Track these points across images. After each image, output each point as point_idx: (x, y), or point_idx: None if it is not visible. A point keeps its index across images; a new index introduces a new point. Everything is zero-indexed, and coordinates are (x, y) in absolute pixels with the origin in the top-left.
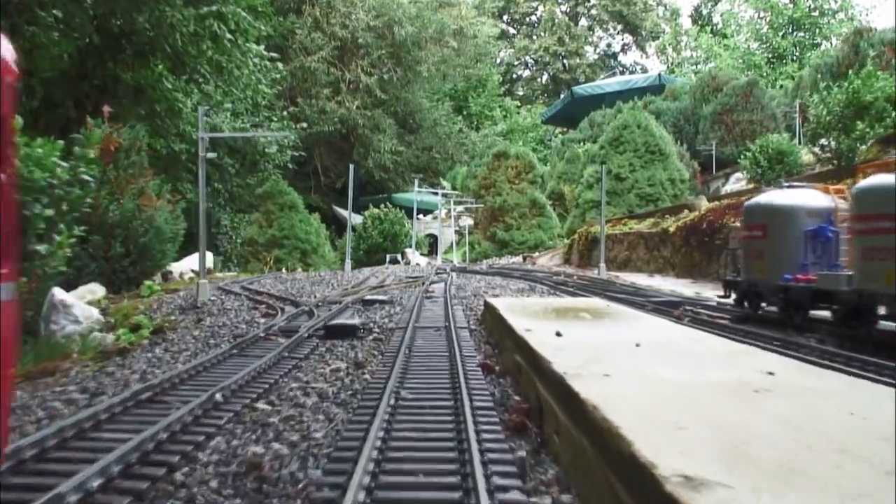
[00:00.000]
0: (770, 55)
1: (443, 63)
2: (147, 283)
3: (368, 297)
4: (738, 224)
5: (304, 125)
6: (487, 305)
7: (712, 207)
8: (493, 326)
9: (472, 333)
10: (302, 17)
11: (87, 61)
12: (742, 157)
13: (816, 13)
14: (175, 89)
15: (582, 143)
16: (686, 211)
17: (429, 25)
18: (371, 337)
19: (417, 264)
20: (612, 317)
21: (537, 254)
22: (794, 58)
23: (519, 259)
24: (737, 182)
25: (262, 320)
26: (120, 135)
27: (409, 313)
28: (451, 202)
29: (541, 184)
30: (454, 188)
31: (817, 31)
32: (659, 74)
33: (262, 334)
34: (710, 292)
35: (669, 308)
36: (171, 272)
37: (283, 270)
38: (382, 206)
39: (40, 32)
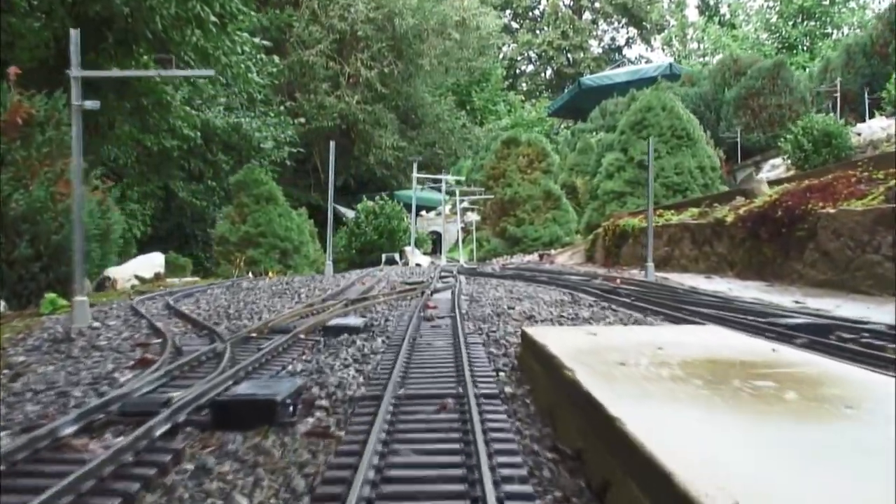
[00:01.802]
0: (780, 45)
1: (445, 56)
2: (49, 295)
3: (335, 323)
4: (830, 210)
5: (302, 120)
6: (533, 347)
7: (789, 190)
8: (560, 405)
9: (512, 410)
10: (299, 9)
11: (67, 51)
12: (783, 140)
13: (827, 2)
14: (163, 81)
15: (594, 133)
16: (739, 198)
17: (430, 17)
18: (305, 427)
19: (418, 265)
20: (852, 400)
21: (555, 251)
22: (805, 48)
23: (533, 257)
24: (773, 169)
25: (127, 375)
26: (33, 103)
27: (393, 355)
28: (457, 193)
29: (555, 174)
30: (458, 182)
31: (828, 20)
32: (670, 64)
33: (70, 430)
34: (818, 302)
35: (817, 335)
36: (108, 278)
37: (250, 275)
38: (378, 198)
39: (18, 21)
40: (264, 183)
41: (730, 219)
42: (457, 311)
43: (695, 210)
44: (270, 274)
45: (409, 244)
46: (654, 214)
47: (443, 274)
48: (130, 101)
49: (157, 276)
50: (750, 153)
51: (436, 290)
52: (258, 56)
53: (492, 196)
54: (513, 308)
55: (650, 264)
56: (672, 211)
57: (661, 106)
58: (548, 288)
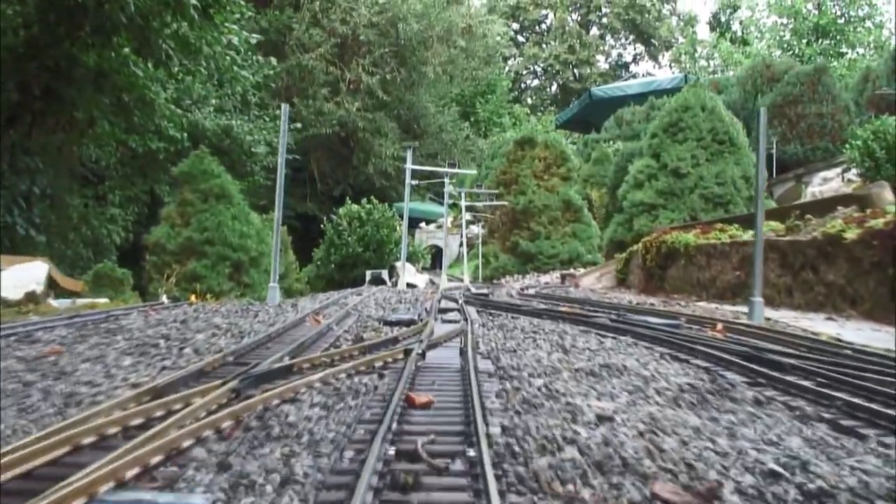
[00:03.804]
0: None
1: (450, 64)
2: None
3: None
4: None
5: (298, 125)
6: None
7: None
8: None
9: None
10: (300, 12)
11: (40, 39)
12: (848, 146)
13: (843, 20)
14: (147, 77)
15: (611, 143)
16: (841, 208)
17: (436, 23)
18: None
19: (411, 286)
20: None
21: (579, 271)
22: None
23: (551, 278)
24: (824, 182)
25: None
26: None
27: None
28: (462, 197)
29: (576, 180)
30: (461, 182)
31: (843, 39)
32: (685, 75)
33: None
34: None
35: None
36: None
37: (165, 299)
38: (365, 201)
39: None
40: (216, 175)
41: (851, 235)
42: (478, 434)
43: (776, 224)
44: (193, 297)
45: (402, 259)
46: (713, 229)
47: (443, 304)
48: (109, 95)
49: (33, 297)
50: (787, 166)
51: (432, 343)
52: (254, 57)
53: (504, 203)
54: (610, 418)
55: (758, 300)
56: (734, 225)
57: (700, 105)
58: (621, 341)
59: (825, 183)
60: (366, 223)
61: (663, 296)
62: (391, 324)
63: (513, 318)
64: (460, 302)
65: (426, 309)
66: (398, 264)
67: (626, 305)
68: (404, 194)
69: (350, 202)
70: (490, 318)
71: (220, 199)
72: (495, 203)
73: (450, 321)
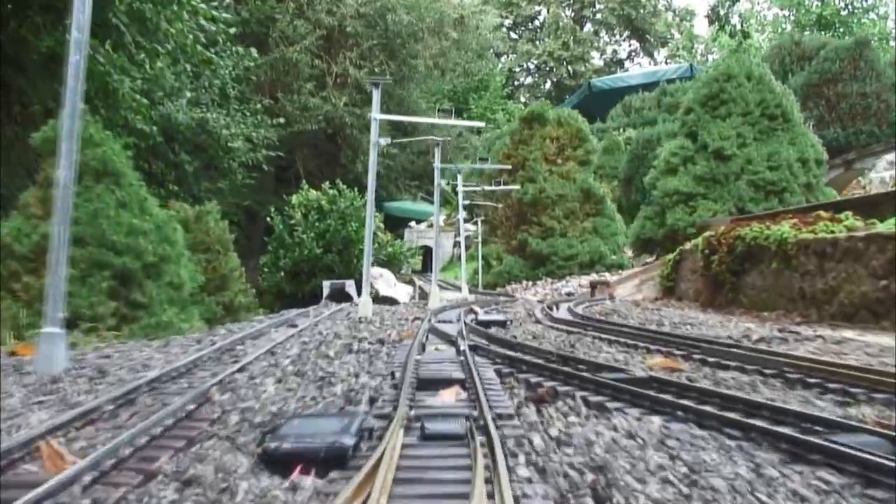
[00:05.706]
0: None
1: (441, 57)
2: None
3: None
4: None
5: (281, 120)
6: None
7: None
8: None
9: None
10: (283, 2)
11: None
12: None
13: (846, 12)
14: (108, 63)
15: (621, 131)
16: None
17: (426, 14)
18: None
19: (388, 300)
20: None
21: (611, 277)
22: None
23: (574, 286)
24: (891, 167)
25: None
26: None
27: None
28: (459, 179)
29: (595, 165)
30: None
31: (847, 31)
32: (690, 65)
33: None
34: None
35: None
36: None
37: None
38: (328, 185)
39: None
40: (95, 144)
41: None
42: None
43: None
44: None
45: (366, 263)
46: (809, 218)
47: (430, 349)
48: (63, 82)
49: None
50: (827, 152)
51: None
52: (233, 48)
53: (513, 188)
54: None
55: None
56: (845, 213)
57: (746, 74)
58: None
59: (892, 167)
60: (328, 215)
61: (743, 313)
62: (280, 458)
63: (594, 413)
64: (462, 348)
65: (392, 376)
66: (374, 271)
67: (762, 350)
68: (397, 198)
69: (307, 188)
70: (535, 403)
71: (100, 179)
72: (500, 189)
73: (441, 435)
